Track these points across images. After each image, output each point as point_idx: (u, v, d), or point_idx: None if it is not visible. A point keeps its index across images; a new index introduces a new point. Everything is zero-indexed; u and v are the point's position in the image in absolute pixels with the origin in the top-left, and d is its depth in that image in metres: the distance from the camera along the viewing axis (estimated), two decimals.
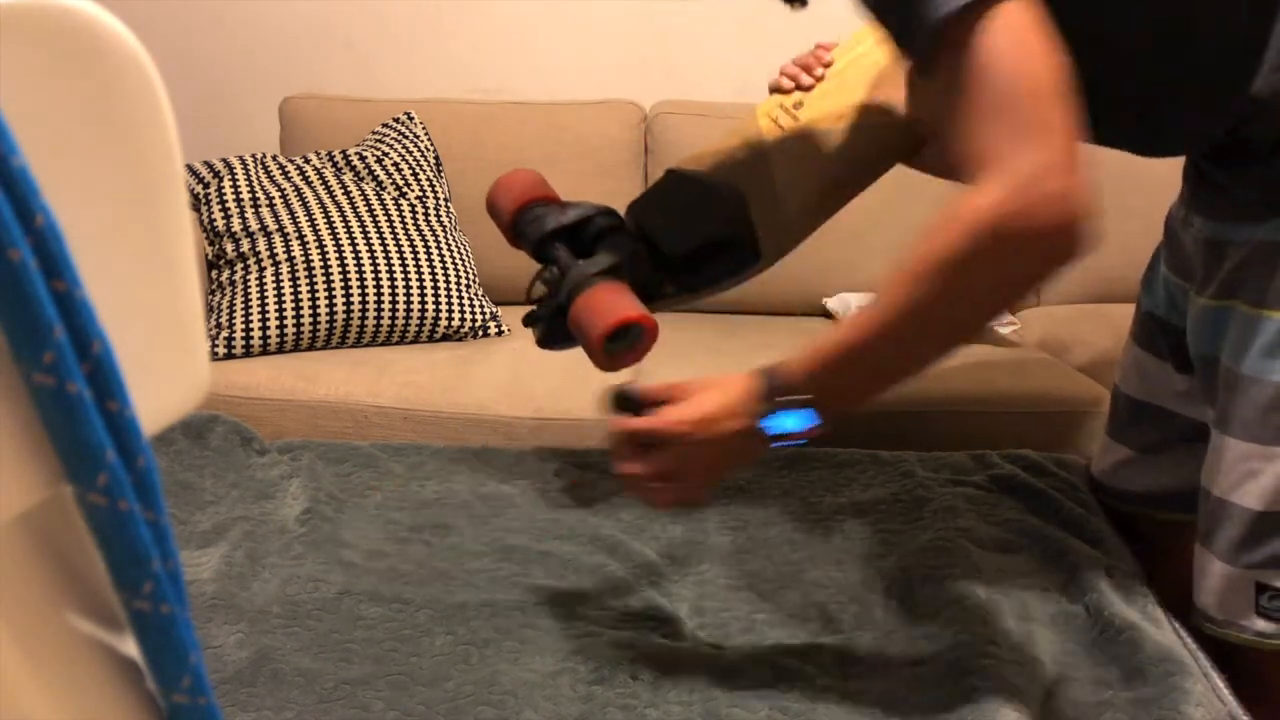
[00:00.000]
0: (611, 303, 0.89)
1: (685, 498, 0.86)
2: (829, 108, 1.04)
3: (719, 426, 0.79)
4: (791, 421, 0.78)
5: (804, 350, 0.78)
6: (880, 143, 1.05)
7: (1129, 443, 1.12)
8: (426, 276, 1.83)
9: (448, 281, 1.84)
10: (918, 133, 1.04)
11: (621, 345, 0.90)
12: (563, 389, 1.58)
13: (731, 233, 1.01)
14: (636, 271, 0.96)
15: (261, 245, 1.79)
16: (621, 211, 1.03)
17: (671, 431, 0.80)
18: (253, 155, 1.93)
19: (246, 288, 1.76)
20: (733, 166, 1.04)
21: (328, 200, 1.85)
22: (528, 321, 1.03)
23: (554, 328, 0.99)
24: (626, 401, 0.86)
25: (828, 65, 1.06)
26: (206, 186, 1.86)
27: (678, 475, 0.82)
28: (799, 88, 1.06)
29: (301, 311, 1.75)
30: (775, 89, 1.08)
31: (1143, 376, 1.10)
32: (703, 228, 1.01)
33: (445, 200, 1.98)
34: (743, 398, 0.79)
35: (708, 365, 1.64)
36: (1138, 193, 2.02)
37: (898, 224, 2.03)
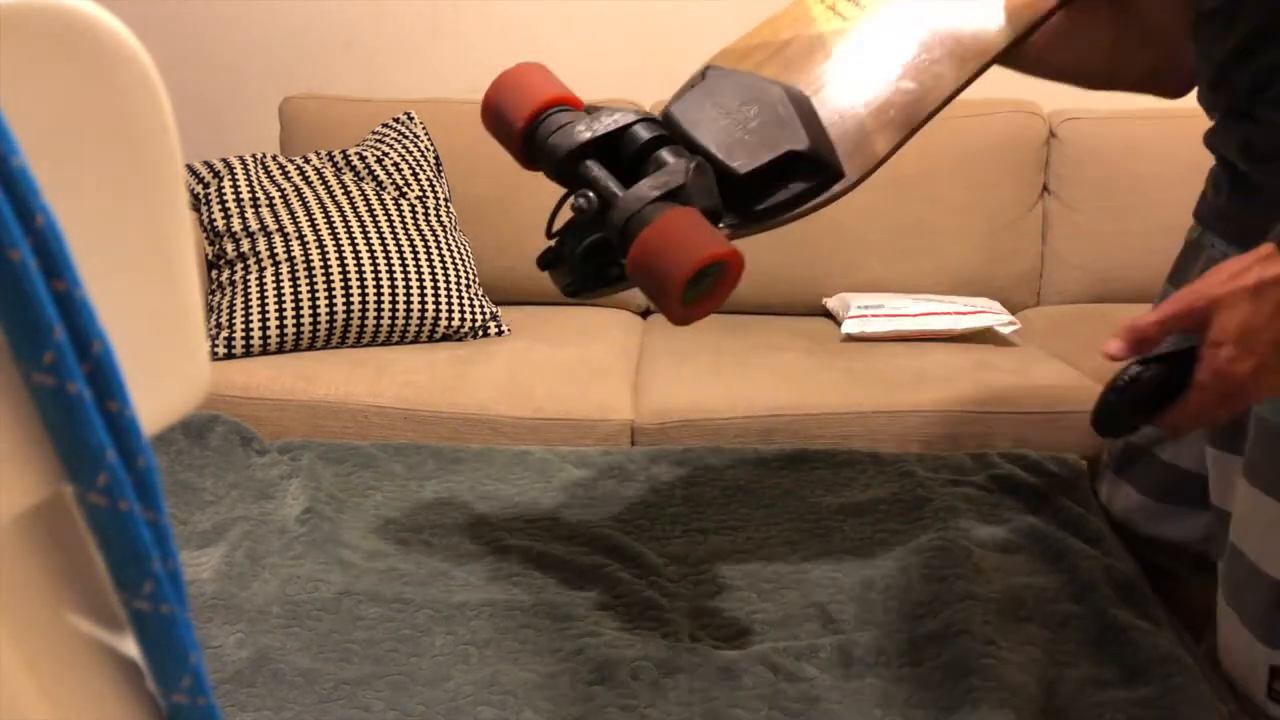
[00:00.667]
0: (691, 235, 0.71)
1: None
2: None
3: (1263, 326, 0.66)
4: None
5: None
6: (989, 31, 0.86)
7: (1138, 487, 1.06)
8: (426, 276, 1.83)
9: (448, 281, 1.84)
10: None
11: (699, 290, 0.73)
12: (563, 389, 1.58)
13: (810, 143, 0.81)
14: (690, 197, 0.77)
15: (261, 245, 1.79)
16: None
17: (1245, 378, 0.68)
18: (253, 155, 1.93)
19: (246, 288, 1.76)
20: (786, 64, 0.86)
21: (328, 200, 1.85)
22: (546, 264, 0.84)
23: (587, 270, 0.81)
24: (1122, 405, 0.71)
25: None
26: (206, 186, 1.86)
27: (1255, 384, 0.69)
28: None
29: (301, 311, 1.75)
30: None
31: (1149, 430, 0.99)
32: (773, 135, 0.81)
33: (445, 200, 1.98)
34: (1262, 261, 0.67)
35: (707, 364, 1.64)
36: (1136, 193, 2.02)
37: (897, 224, 2.04)
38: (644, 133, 0.79)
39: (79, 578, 0.30)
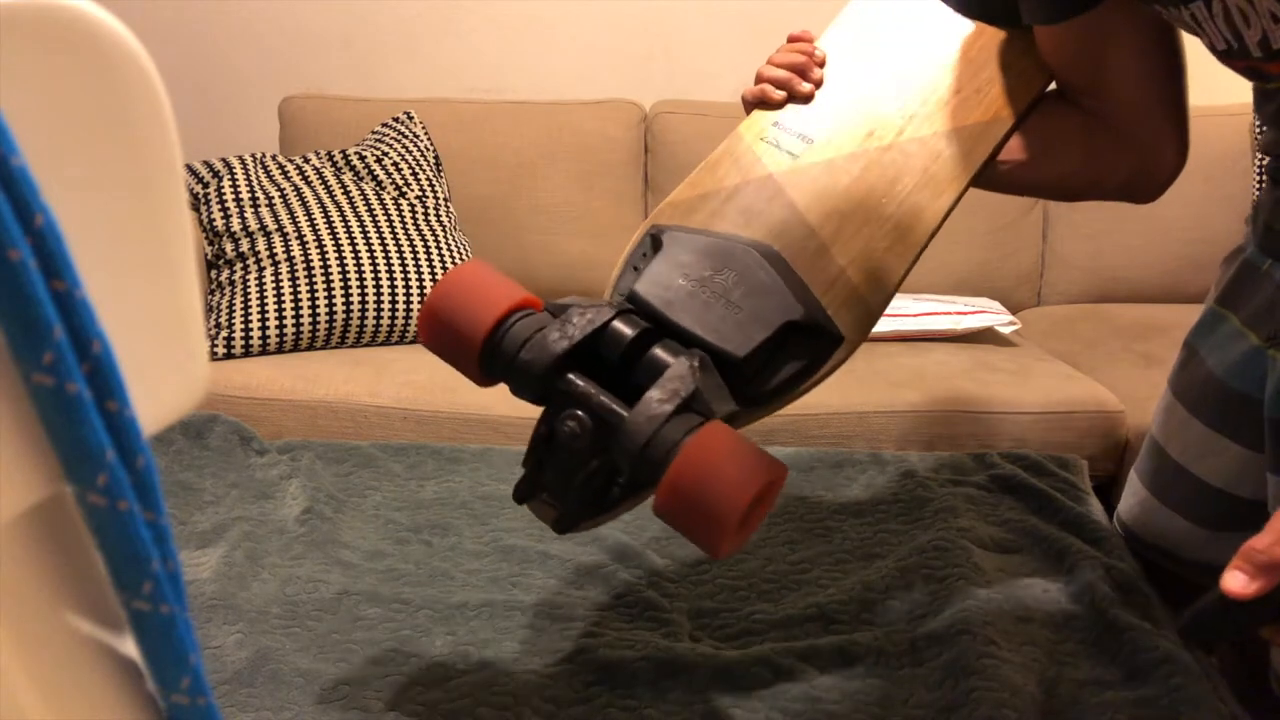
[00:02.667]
0: (736, 462, 0.60)
1: None
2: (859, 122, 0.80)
3: None
4: None
5: None
6: (961, 151, 0.80)
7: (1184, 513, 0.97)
8: (426, 276, 1.83)
9: None
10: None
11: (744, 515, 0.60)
12: None
13: (804, 310, 0.72)
14: (706, 405, 0.66)
15: (261, 245, 1.79)
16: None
17: None
18: (252, 155, 1.93)
19: (246, 288, 1.76)
20: (744, 215, 0.77)
21: (327, 200, 1.85)
22: (524, 496, 0.70)
23: (582, 501, 0.68)
24: (1231, 620, 0.63)
25: (822, 64, 0.84)
26: (206, 186, 1.86)
27: None
28: (793, 97, 0.82)
29: (301, 311, 1.75)
30: (761, 101, 0.83)
31: (1216, 462, 0.93)
32: (762, 307, 0.71)
33: (445, 200, 1.98)
34: None
35: None
36: None
37: None
38: (626, 329, 0.68)
39: (79, 578, 0.30)
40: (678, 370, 0.65)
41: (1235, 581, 0.62)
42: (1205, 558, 0.97)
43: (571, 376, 0.66)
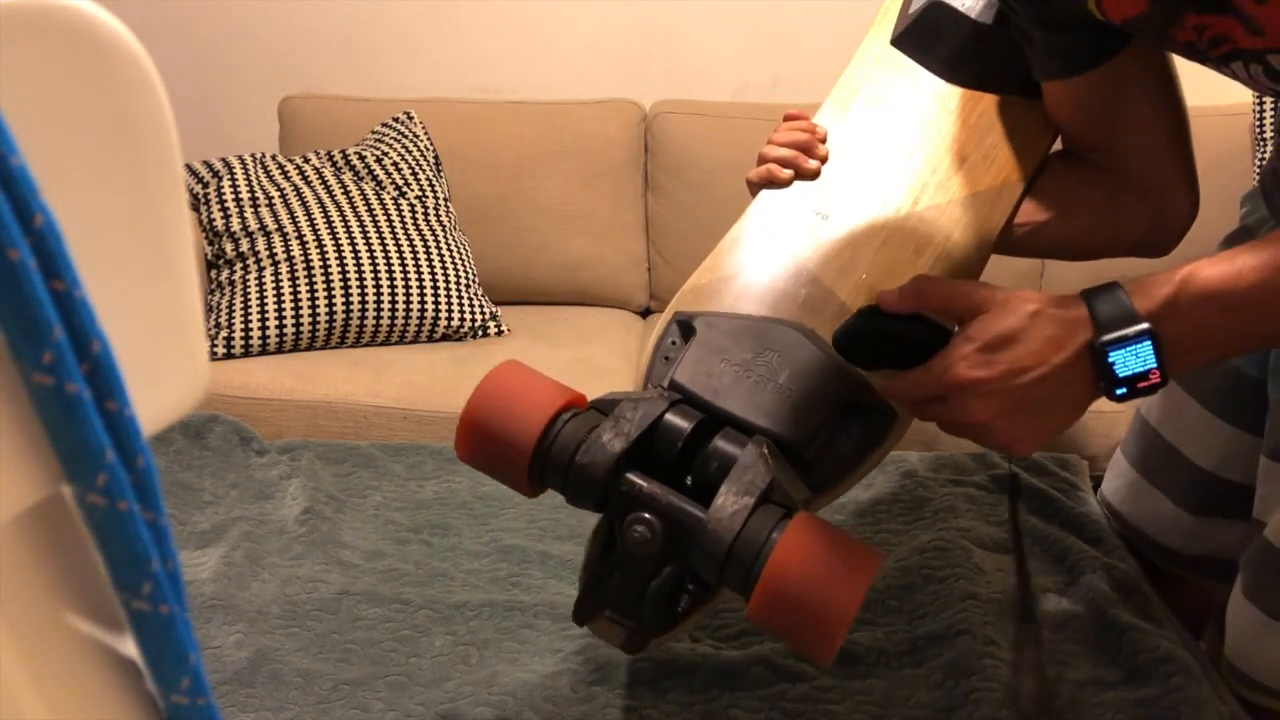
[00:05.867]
0: (838, 550, 0.57)
1: (1006, 442, 0.65)
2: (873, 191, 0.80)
3: (1034, 372, 0.61)
4: (1135, 360, 0.61)
5: (1158, 274, 0.62)
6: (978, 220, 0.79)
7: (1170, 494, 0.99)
8: (426, 276, 1.83)
9: (447, 281, 1.84)
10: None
11: None
12: None
13: (853, 387, 0.70)
14: (785, 496, 0.62)
15: (261, 245, 1.79)
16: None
17: (958, 384, 0.62)
18: (252, 155, 1.93)
19: (246, 288, 1.76)
20: (771, 295, 0.75)
21: (327, 200, 1.85)
22: (587, 615, 0.64)
23: (655, 613, 0.63)
24: (873, 324, 0.64)
25: (824, 139, 0.83)
26: (206, 186, 1.86)
27: (988, 425, 0.63)
28: (800, 175, 0.81)
29: (301, 311, 1.75)
30: (769, 182, 0.82)
31: (1210, 443, 0.94)
32: (814, 386, 0.69)
33: (445, 200, 1.98)
34: (1063, 326, 0.62)
35: None
36: None
37: None
38: (682, 421, 0.64)
39: (78, 578, 0.30)
40: (748, 460, 0.61)
41: (887, 295, 0.66)
42: (1184, 544, 0.99)
43: (632, 477, 0.61)
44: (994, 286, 0.65)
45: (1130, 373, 0.61)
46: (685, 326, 0.74)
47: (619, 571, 0.62)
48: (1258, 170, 2.02)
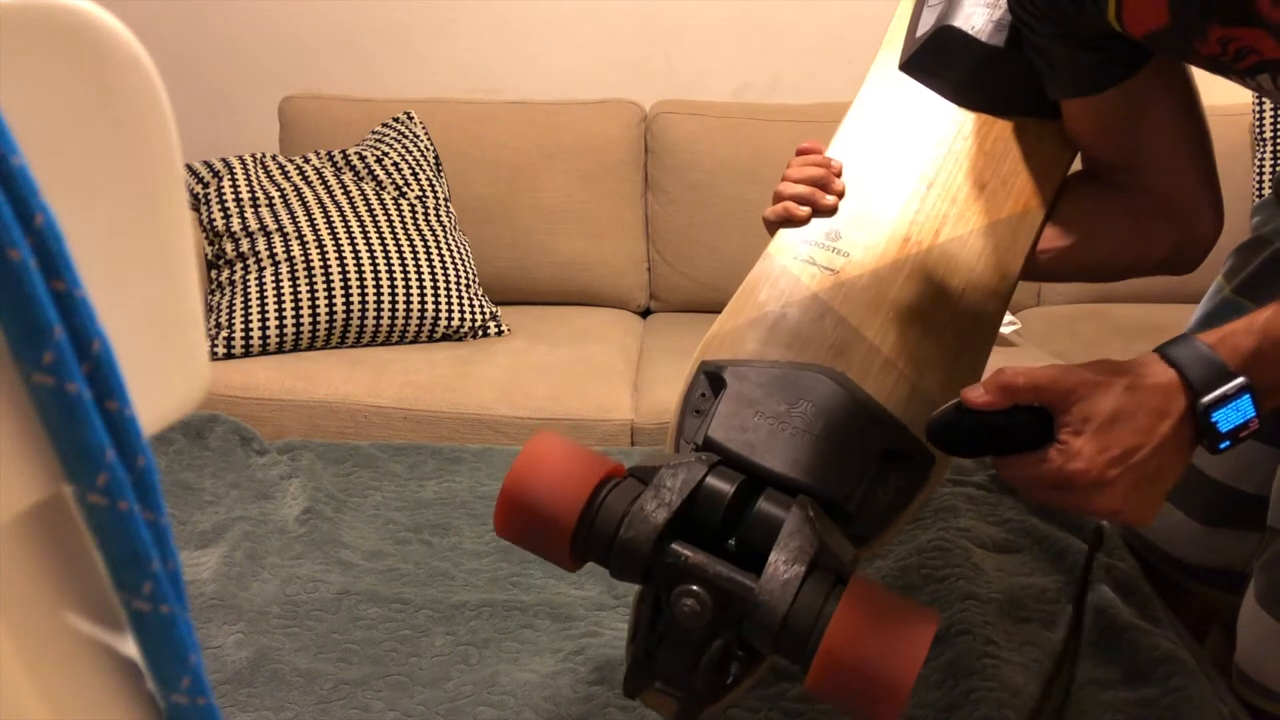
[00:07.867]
0: (895, 616, 0.57)
1: (1133, 519, 0.65)
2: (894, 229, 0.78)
3: (1146, 449, 0.62)
4: (1237, 414, 0.62)
5: (1235, 325, 0.63)
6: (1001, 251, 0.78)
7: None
8: (426, 276, 1.83)
9: (447, 281, 1.84)
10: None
11: None
12: (563, 389, 1.58)
13: (891, 434, 0.69)
14: (835, 562, 0.61)
15: (261, 245, 1.79)
16: None
17: (1083, 478, 0.62)
18: (252, 155, 1.93)
19: (246, 288, 1.76)
20: (798, 340, 0.74)
21: (327, 200, 1.85)
22: (638, 688, 0.64)
23: (709, 685, 0.62)
24: (972, 420, 0.63)
25: (839, 173, 0.82)
26: (206, 186, 1.86)
27: (1116, 510, 0.64)
28: (817, 212, 0.80)
29: (301, 311, 1.75)
30: (786, 220, 0.81)
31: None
32: (851, 437, 0.68)
33: (445, 200, 1.98)
34: (1161, 395, 0.62)
35: None
36: None
37: None
38: (724, 485, 0.63)
39: (79, 578, 0.30)
40: (795, 525, 0.61)
41: (972, 391, 0.64)
42: (1194, 555, 0.98)
43: (677, 547, 0.60)
44: (1070, 367, 0.64)
45: (1232, 426, 0.62)
46: (714, 377, 0.72)
47: (668, 643, 0.62)
48: (1257, 170, 2.02)
